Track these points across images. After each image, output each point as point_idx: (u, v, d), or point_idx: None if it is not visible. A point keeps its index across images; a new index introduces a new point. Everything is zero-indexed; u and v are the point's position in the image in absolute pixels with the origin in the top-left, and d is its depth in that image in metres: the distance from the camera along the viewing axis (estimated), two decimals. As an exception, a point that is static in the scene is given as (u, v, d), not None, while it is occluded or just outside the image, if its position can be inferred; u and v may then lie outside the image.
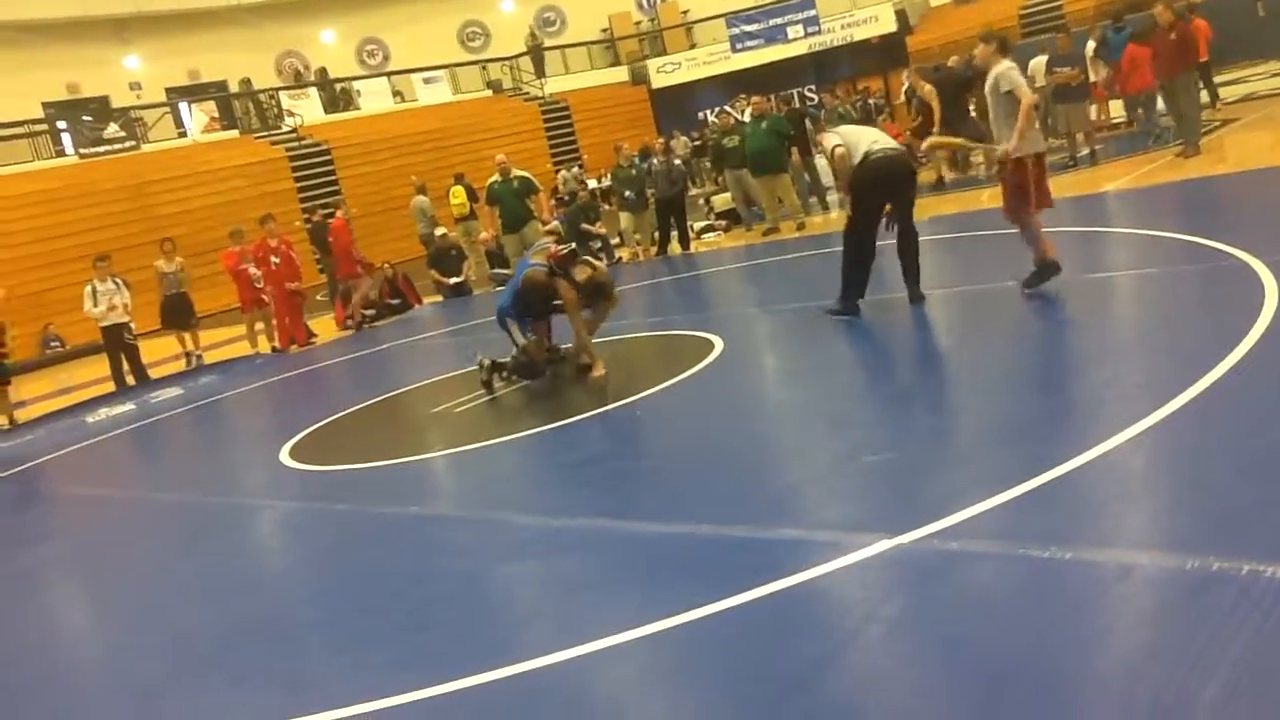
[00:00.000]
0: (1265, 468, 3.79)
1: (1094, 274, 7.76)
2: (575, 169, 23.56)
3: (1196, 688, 2.57)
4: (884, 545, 3.76)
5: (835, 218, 14.51)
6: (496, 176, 14.53)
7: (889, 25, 29.62)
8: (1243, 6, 21.76)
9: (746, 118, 16.32)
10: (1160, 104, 14.09)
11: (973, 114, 13.97)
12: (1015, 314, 7.05)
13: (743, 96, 21.95)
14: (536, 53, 31.99)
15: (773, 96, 22.36)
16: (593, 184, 22.25)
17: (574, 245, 7.93)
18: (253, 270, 13.69)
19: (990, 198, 12.70)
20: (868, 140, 7.78)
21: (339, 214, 16.11)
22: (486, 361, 7.98)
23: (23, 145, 24.31)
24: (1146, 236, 8.54)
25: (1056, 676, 2.81)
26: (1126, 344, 6.00)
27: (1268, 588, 2.93)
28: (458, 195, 16.78)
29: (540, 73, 31.61)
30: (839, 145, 7.70)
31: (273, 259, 13.70)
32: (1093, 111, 15.57)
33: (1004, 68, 7.21)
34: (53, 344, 20.07)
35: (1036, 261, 7.10)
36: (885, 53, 28.62)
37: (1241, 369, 4.79)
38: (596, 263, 8.08)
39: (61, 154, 24.68)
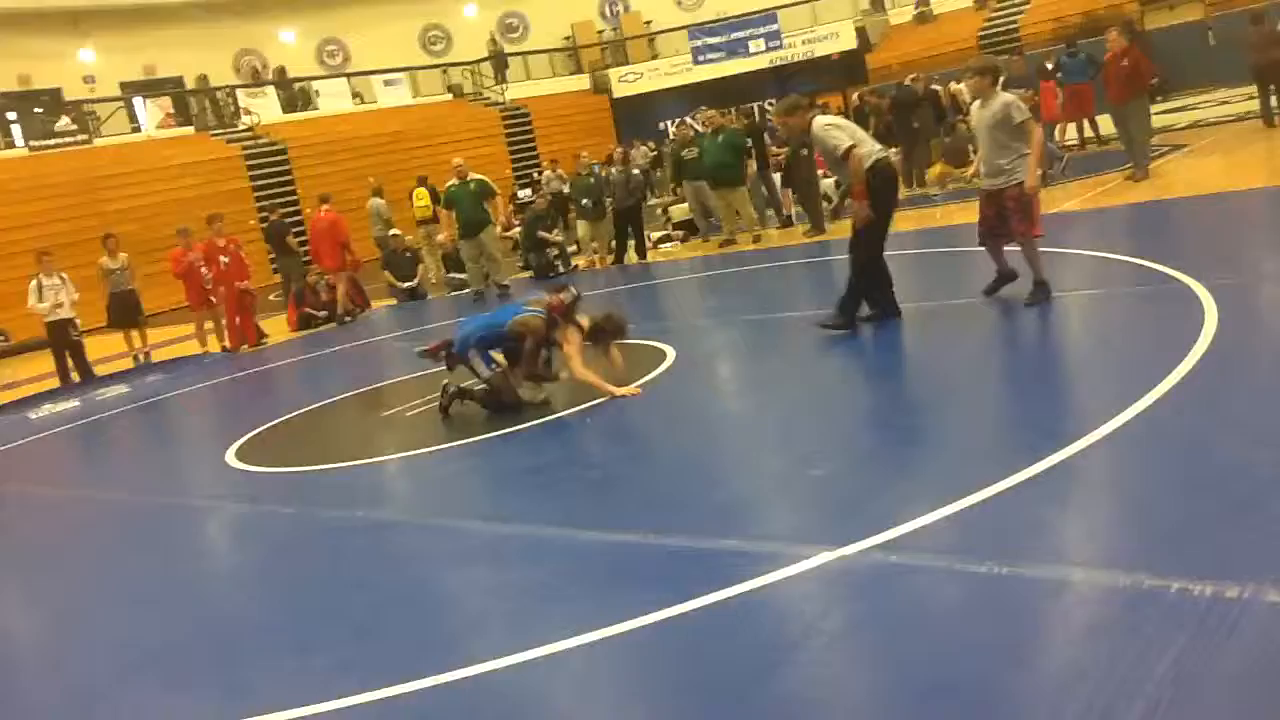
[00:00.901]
0: (1199, 487, 3.88)
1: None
2: (558, 170, 23.30)
3: (1122, 706, 2.62)
4: (826, 557, 3.80)
5: (799, 231, 14.66)
6: (454, 180, 14.49)
7: (849, 43, 29.92)
8: (1194, 34, 22.23)
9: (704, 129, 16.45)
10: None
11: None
12: (965, 331, 7.17)
13: (703, 108, 22.06)
14: (498, 58, 31.95)
15: (733, 110, 22.47)
16: (559, 187, 22.19)
17: (576, 293, 7.22)
18: (204, 271, 13.52)
19: (943, 215, 12.88)
20: (869, 141, 7.63)
21: (326, 208, 15.77)
22: (452, 388, 7.38)
23: (-30, 136, 23.91)
24: (1093, 258, 8.69)
25: (990, 691, 2.86)
26: (1070, 363, 6.11)
27: (1194, 606, 3.00)
28: (421, 197, 16.72)
29: (501, 78, 31.56)
30: (854, 145, 7.37)
31: (222, 259, 13.56)
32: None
33: (1011, 99, 7.30)
34: (-3, 338, 19.70)
35: (1037, 280, 7.22)
36: (845, 70, 28.90)
37: (1180, 390, 4.90)
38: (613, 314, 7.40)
39: (11, 145, 24.27)
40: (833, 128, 7.58)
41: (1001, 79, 7.63)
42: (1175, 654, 2.79)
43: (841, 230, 13.58)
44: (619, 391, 6.86)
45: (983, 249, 7.70)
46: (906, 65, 23.20)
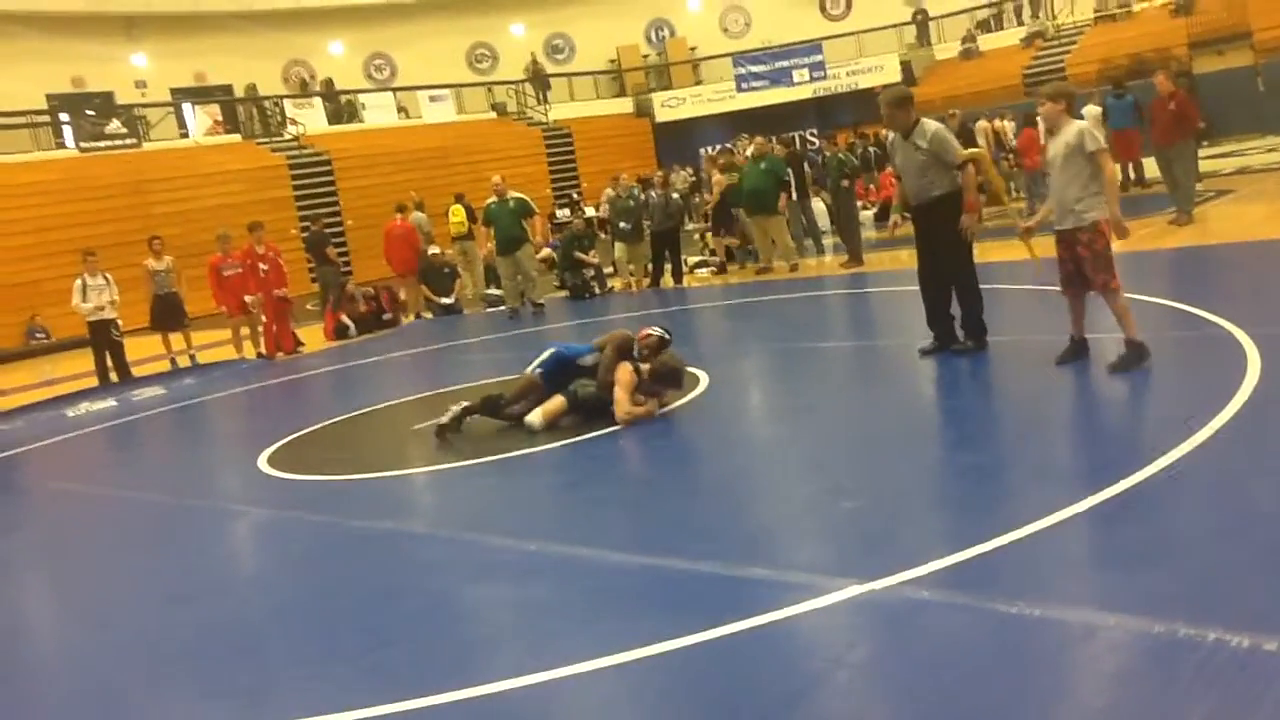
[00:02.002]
0: (1239, 535, 3.82)
1: (1070, 334, 7.81)
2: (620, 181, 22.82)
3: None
4: (855, 590, 3.76)
5: (829, 261, 14.63)
6: (493, 198, 14.58)
7: (894, 76, 29.90)
8: (1243, 79, 22.08)
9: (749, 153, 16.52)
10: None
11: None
12: (1006, 369, 7.09)
13: (745, 136, 22.12)
14: (538, 78, 32.19)
15: (773, 138, 22.51)
16: (590, 212, 22.30)
17: (669, 338, 7.29)
18: (249, 299, 13.67)
19: (980, 252, 12.80)
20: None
21: (400, 216, 16.97)
22: (457, 409, 7.34)
23: (24, 135, 24.30)
24: (1135, 301, 8.58)
25: (1017, 733, 2.82)
26: (1111, 407, 6.04)
27: (1232, 657, 2.94)
28: (457, 214, 16.88)
29: (544, 98, 31.78)
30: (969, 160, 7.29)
31: (261, 266, 13.70)
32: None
33: (1085, 125, 6.55)
34: (38, 335, 19.97)
35: (1128, 340, 6.39)
36: (889, 102, 28.84)
37: (1222, 437, 4.83)
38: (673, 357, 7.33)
39: (62, 146, 24.68)
40: (952, 136, 7.46)
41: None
42: (1209, 708, 2.74)
43: (879, 263, 13.58)
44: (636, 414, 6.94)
45: (1062, 297, 6.86)
46: (950, 100, 23.17)
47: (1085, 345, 6.69)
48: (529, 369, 7.49)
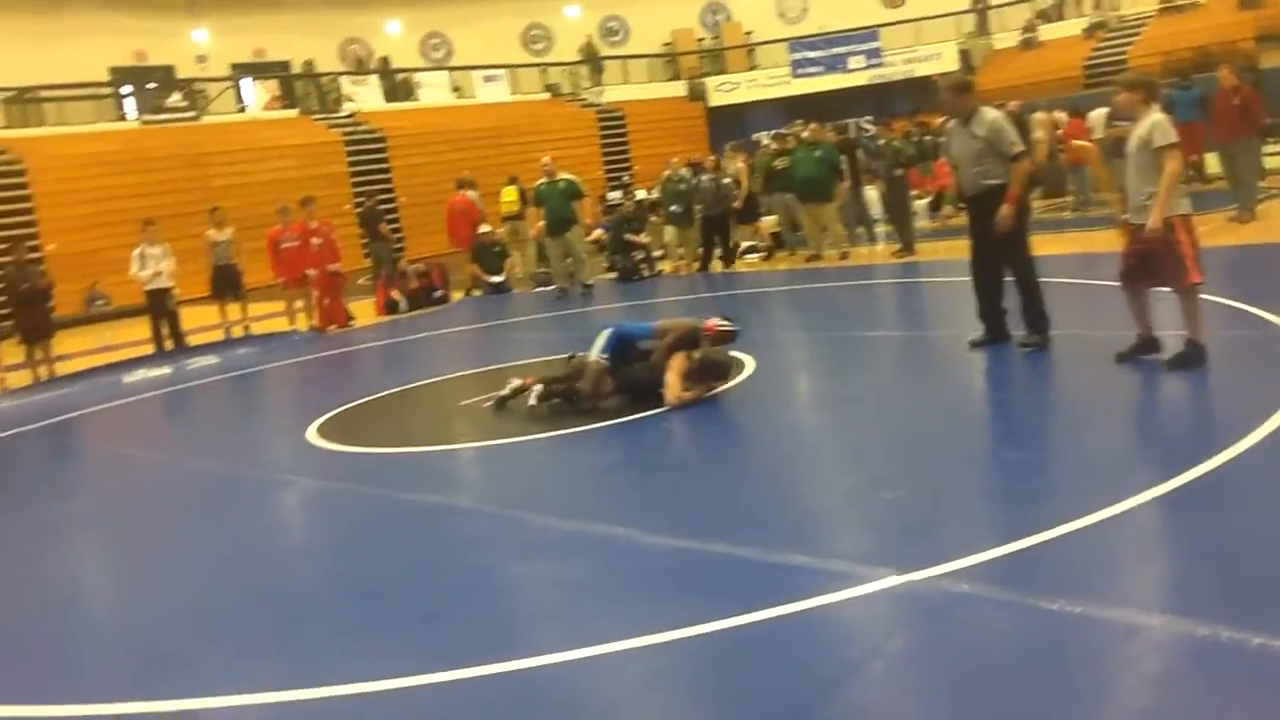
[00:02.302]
0: (1287, 542, 3.76)
1: (1137, 331, 7.71)
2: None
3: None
4: (893, 581, 3.77)
5: (880, 250, 14.52)
6: (543, 179, 14.63)
7: (951, 64, 29.50)
8: (1312, 76, 21.50)
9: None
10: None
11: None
12: (1057, 365, 7.00)
13: (799, 122, 21.95)
14: (592, 60, 32.16)
15: (828, 125, 22.32)
16: (641, 195, 22.29)
17: (735, 332, 7.35)
18: (310, 272, 13.83)
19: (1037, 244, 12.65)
20: None
21: (463, 192, 17.35)
22: (535, 389, 7.34)
23: (86, 107, 24.72)
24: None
25: (1053, 728, 2.81)
26: (1163, 405, 5.96)
27: (1276, 663, 2.91)
28: (510, 194, 16.91)
29: (598, 81, 31.76)
30: (1025, 150, 7.29)
31: (314, 240, 13.86)
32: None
33: (1159, 119, 6.27)
34: (98, 302, 20.38)
35: (1189, 340, 6.25)
36: (946, 91, 28.49)
37: (1275, 439, 4.76)
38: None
39: (123, 119, 25.09)
40: (1010, 126, 7.35)
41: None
42: (1250, 713, 2.72)
43: (931, 253, 13.47)
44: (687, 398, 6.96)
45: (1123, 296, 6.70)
46: (1008, 91, 22.81)
47: (1154, 343, 6.47)
48: (593, 355, 7.27)
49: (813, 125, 15.66)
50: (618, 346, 7.26)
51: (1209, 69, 16.84)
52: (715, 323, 7.28)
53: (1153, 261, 6.26)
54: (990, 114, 7.33)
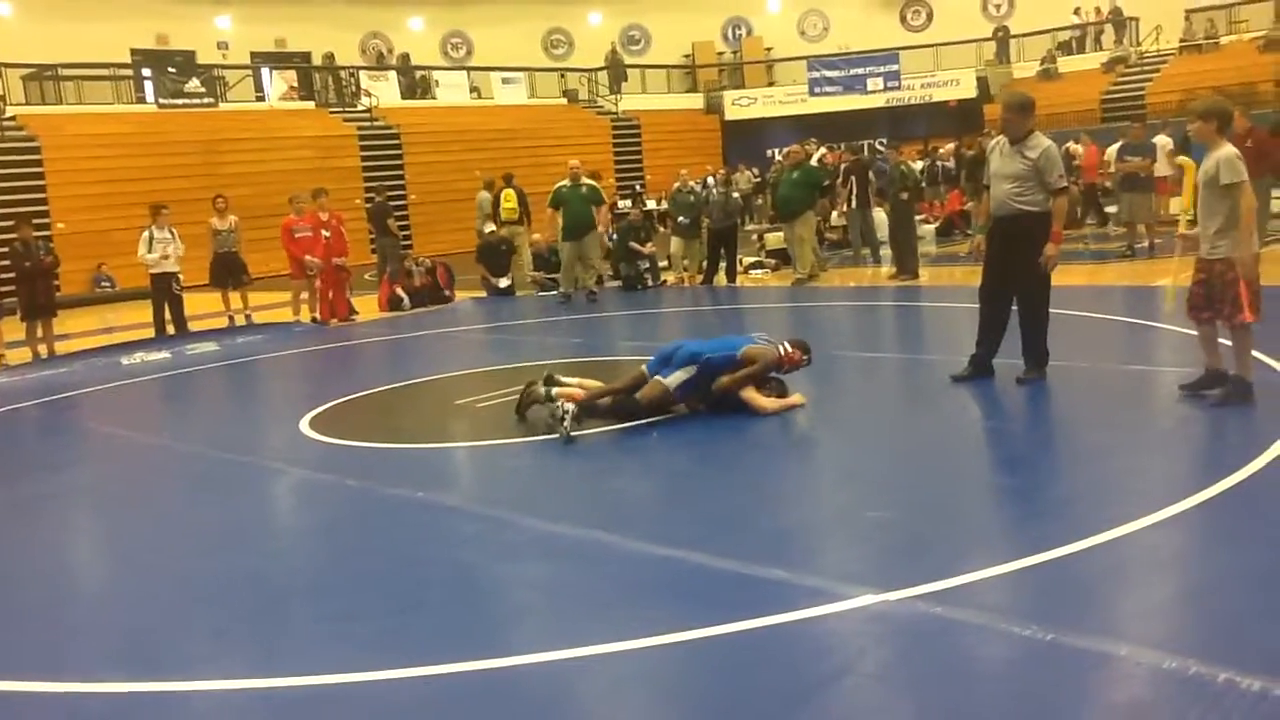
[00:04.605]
0: (1268, 579, 3.77)
1: (1134, 366, 7.74)
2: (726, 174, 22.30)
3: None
4: (870, 599, 3.78)
5: (884, 272, 14.53)
6: (566, 181, 14.55)
7: (969, 91, 29.65)
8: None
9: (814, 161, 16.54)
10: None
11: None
12: (1061, 395, 6.98)
13: (813, 140, 22.03)
14: (616, 69, 32.26)
15: (841, 145, 22.37)
16: (650, 204, 22.37)
17: (809, 360, 7.25)
18: (310, 259, 13.79)
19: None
20: None
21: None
22: (563, 408, 6.63)
23: (105, 87, 24.83)
24: (1194, 338, 8.45)
25: (1016, 753, 2.82)
26: (1155, 438, 5.96)
27: (1240, 700, 2.92)
28: (509, 199, 16.81)
29: (616, 89, 31.86)
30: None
31: (323, 232, 13.90)
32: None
33: (1230, 153, 6.04)
34: (103, 283, 20.45)
35: (1235, 375, 6.23)
36: (961, 117, 28.60)
37: (1263, 478, 4.77)
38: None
39: (141, 101, 25.18)
40: (1060, 157, 7.25)
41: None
42: (1213, 745, 2.72)
43: (935, 278, 13.48)
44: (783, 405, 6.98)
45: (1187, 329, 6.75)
46: (1025, 120, 22.83)
47: (1220, 376, 6.34)
48: (668, 381, 6.86)
49: (792, 148, 15.67)
50: (698, 384, 6.93)
51: (1253, 108, 16.70)
52: (797, 354, 7.12)
53: (1215, 295, 6.22)
54: (1045, 140, 7.18)
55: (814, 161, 17.03)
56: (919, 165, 19.08)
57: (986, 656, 3.38)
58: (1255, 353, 7.15)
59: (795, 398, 7.04)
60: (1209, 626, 3.46)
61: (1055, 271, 7.11)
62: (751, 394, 6.90)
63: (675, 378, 6.88)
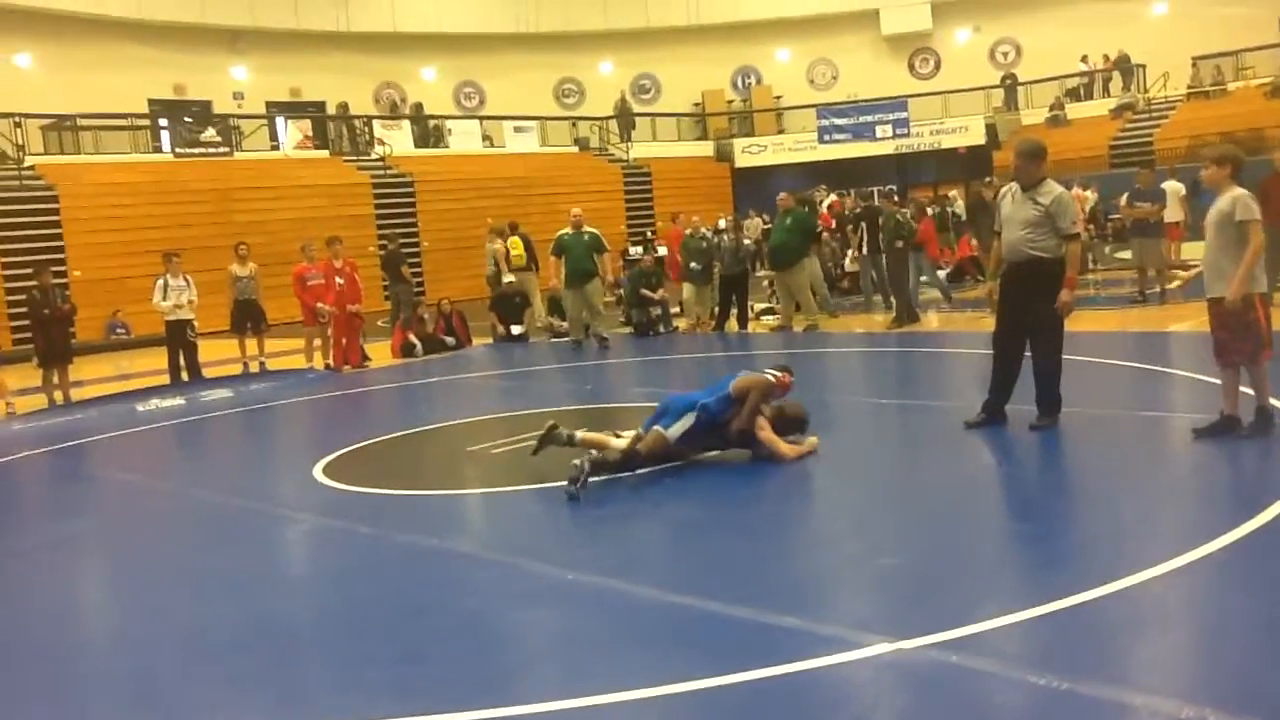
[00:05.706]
0: (1283, 630, 3.74)
1: (1149, 412, 7.71)
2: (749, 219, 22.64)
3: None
4: (884, 648, 3.76)
5: (881, 320, 14.54)
6: (568, 229, 14.72)
7: (978, 138, 29.83)
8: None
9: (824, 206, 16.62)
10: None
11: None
12: (1071, 442, 6.96)
13: (822, 187, 22.17)
14: (626, 117, 32.58)
15: (851, 192, 22.48)
16: (662, 251, 22.46)
17: (791, 377, 7.20)
18: (321, 306, 13.87)
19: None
20: None
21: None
22: (585, 465, 6.45)
23: (123, 137, 25.16)
24: (1206, 384, 8.44)
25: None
26: (1168, 484, 5.94)
27: (1260, 749, 2.90)
28: (516, 246, 16.95)
29: (627, 137, 32.14)
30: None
31: (337, 279, 13.99)
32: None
33: (1242, 194, 6.30)
34: (118, 330, 20.58)
35: (1260, 408, 6.37)
36: (970, 164, 28.75)
37: (1277, 525, 4.74)
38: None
39: (158, 150, 25.51)
40: (1074, 204, 7.26)
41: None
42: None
43: (938, 324, 13.49)
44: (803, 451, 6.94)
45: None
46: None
47: (1235, 421, 6.41)
48: (665, 431, 6.79)
49: (782, 195, 15.72)
50: (699, 433, 6.90)
51: (1258, 153, 16.66)
52: (785, 377, 7.10)
53: (1236, 338, 6.33)
54: (1057, 187, 7.22)
55: (823, 207, 17.13)
56: (932, 211, 19.11)
57: (1001, 705, 3.36)
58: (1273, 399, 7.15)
59: (811, 441, 7.02)
60: (1225, 675, 3.43)
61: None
62: (771, 438, 6.86)
63: (676, 428, 6.85)
